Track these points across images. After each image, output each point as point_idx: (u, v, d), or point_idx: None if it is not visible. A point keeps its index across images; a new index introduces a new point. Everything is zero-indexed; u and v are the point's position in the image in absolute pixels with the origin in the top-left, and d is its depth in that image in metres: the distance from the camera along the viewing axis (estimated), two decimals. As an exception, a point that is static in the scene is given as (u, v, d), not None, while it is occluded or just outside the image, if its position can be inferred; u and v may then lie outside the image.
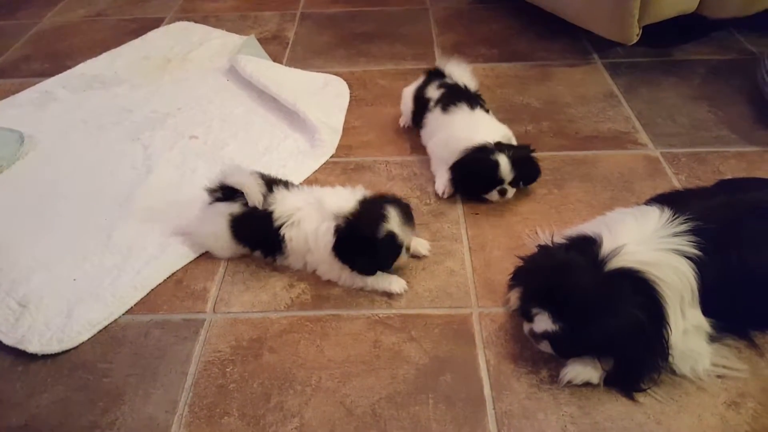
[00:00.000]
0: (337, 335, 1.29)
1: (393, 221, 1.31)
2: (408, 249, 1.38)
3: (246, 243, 1.44)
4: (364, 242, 1.30)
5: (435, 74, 1.83)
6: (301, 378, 1.21)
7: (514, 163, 1.53)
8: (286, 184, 1.44)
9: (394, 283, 1.36)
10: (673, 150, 1.77)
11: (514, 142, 1.66)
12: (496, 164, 1.52)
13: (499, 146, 1.55)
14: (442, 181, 1.63)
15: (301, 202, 1.39)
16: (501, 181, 1.55)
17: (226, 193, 1.42)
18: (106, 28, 2.67)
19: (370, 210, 1.33)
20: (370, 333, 1.29)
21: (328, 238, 1.33)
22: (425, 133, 1.77)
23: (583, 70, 2.20)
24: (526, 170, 1.59)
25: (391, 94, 2.03)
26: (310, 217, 1.36)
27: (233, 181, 1.40)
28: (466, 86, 1.78)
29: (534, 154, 1.60)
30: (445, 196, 1.62)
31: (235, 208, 1.39)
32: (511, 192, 1.58)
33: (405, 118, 1.89)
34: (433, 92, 1.77)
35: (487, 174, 1.55)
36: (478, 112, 1.69)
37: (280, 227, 1.36)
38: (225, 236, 1.41)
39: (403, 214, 1.34)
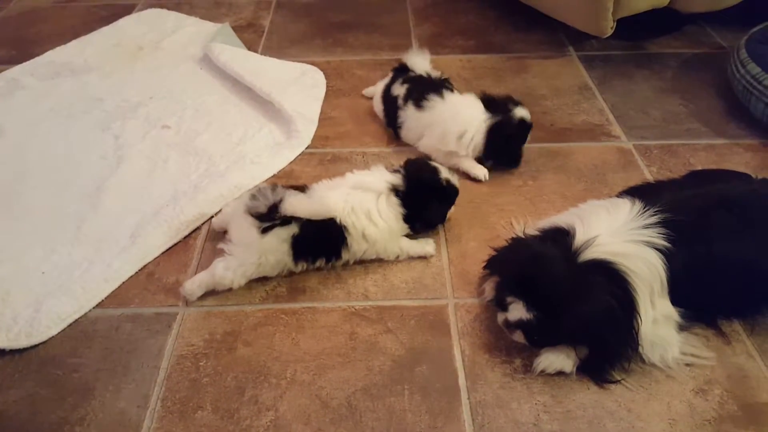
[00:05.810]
0: (313, 328, 1.28)
1: (443, 171, 1.46)
2: None
3: (309, 257, 1.38)
4: (432, 188, 1.43)
5: (400, 70, 1.84)
6: (276, 371, 1.20)
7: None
8: (303, 189, 1.41)
9: (430, 245, 1.45)
10: (646, 142, 1.80)
11: None
12: (523, 120, 1.66)
13: (505, 104, 1.67)
14: (471, 165, 1.66)
15: (342, 194, 1.38)
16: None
17: (279, 216, 1.33)
18: (75, 14, 2.59)
19: (417, 165, 1.47)
20: (346, 325, 1.29)
21: (392, 209, 1.39)
22: (406, 133, 1.77)
23: (559, 62, 2.21)
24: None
25: (368, 85, 2.02)
26: (363, 198, 1.38)
27: (295, 210, 1.33)
28: (429, 75, 1.78)
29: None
30: (487, 177, 1.66)
31: (294, 229, 1.32)
32: None
33: (380, 117, 1.88)
34: (399, 89, 1.77)
35: (522, 133, 1.69)
36: (450, 97, 1.70)
37: (339, 221, 1.34)
38: (286, 260, 1.35)
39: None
